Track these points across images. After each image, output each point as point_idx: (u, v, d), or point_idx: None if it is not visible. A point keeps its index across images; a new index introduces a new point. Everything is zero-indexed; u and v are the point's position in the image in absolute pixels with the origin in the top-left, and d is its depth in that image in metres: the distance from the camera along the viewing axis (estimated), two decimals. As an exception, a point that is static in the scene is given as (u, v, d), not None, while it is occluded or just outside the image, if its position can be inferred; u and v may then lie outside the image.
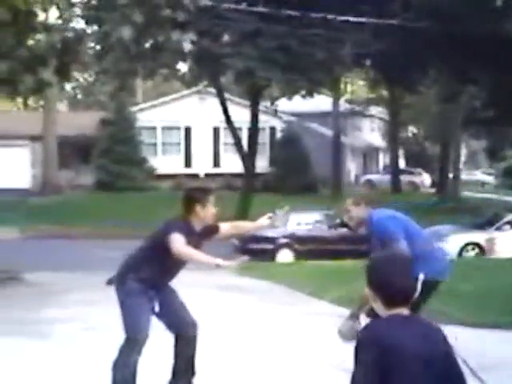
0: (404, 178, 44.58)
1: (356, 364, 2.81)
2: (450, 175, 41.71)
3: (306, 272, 14.16)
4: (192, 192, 5.88)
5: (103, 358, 6.24)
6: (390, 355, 2.75)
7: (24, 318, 9.39)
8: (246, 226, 6.38)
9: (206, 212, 5.67)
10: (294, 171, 35.24)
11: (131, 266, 5.73)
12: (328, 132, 41.11)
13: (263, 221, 6.01)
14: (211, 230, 5.87)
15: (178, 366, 5.87)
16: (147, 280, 5.58)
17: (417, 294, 6.05)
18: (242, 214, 25.08)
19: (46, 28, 15.05)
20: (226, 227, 6.03)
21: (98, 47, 24.13)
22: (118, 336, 5.66)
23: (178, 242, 5.36)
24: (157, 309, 5.69)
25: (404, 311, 2.89)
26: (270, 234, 18.10)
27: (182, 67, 31.61)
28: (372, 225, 6.31)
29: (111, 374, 5.63)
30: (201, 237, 5.75)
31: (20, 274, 13.41)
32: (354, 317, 6.30)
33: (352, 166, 47.20)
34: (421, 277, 5.99)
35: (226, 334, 8.30)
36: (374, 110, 49.81)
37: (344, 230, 19.34)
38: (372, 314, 6.21)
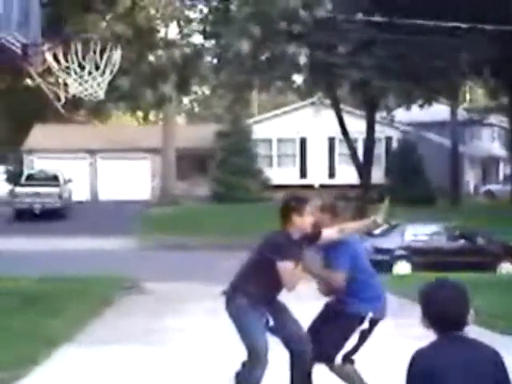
0: (527, 188, 42.84)
1: None
2: None
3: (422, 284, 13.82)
4: (288, 201, 5.81)
5: (218, 369, 6.30)
6: (432, 380, 2.89)
7: (142, 326, 9.63)
8: (352, 227, 6.08)
9: (303, 221, 5.59)
10: (410, 182, 34.55)
11: (240, 280, 5.73)
12: (446, 142, 40.18)
13: (367, 220, 5.86)
14: (311, 238, 5.72)
15: (295, 381, 5.81)
16: (255, 294, 5.56)
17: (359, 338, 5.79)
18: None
19: (167, 44, 15.49)
20: (329, 232, 5.79)
21: (215, 61, 24.63)
22: (232, 346, 5.69)
23: (289, 277, 5.42)
24: (271, 323, 5.66)
25: (456, 333, 3.00)
26: (386, 245, 17.87)
27: (297, 79, 31.74)
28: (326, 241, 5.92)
29: (234, 386, 5.66)
30: (301, 246, 5.64)
31: (139, 283, 13.77)
32: None
33: (471, 177, 45.90)
34: (370, 315, 5.75)
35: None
36: (495, 118, 48.27)
37: (463, 242, 18.85)
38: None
